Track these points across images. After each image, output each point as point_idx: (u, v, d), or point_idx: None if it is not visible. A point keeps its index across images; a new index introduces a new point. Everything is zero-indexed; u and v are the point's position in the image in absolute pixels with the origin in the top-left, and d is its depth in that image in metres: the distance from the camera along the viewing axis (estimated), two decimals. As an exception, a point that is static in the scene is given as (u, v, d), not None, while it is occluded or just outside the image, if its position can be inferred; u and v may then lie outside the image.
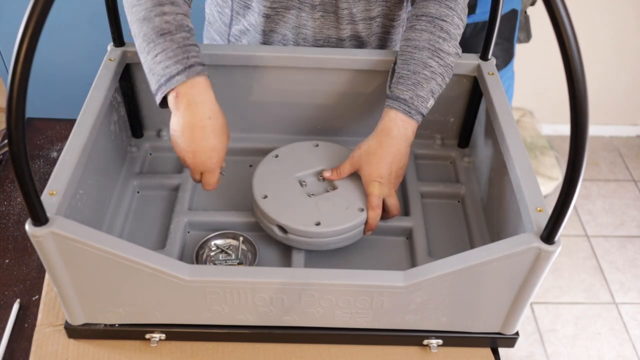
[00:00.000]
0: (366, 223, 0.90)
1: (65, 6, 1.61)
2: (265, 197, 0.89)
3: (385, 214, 0.92)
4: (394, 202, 0.91)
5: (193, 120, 0.81)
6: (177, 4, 0.84)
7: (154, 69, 0.81)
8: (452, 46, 0.91)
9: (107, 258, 0.70)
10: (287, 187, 0.91)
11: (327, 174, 0.92)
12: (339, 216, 0.88)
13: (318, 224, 0.86)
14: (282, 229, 0.88)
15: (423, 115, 0.89)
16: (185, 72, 0.80)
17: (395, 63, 0.93)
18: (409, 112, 0.88)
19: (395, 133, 0.88)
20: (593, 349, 1.88)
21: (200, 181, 0.88)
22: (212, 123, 0.82)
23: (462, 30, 0.94)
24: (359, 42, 1.05)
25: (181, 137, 0.82)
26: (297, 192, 0.91)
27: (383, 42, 1.08)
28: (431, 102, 0.90)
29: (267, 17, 1.01)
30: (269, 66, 0.99)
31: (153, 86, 0.83)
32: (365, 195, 0.90)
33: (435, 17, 0.91)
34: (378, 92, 1.02)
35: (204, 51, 0.96)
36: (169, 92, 0.81)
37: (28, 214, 0.66)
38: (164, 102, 0.83)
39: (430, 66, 0.89)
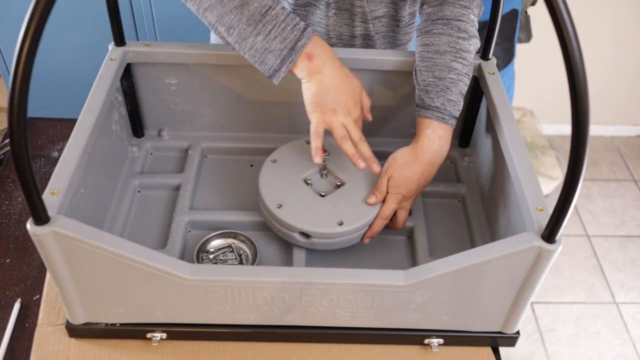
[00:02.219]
0: (368, 229, 0.90)
1: (66, 6, 1.61)
2: (280, 206, 0.88)
3: (390, 224, 0.92)
4: (404, 217, 0.92)
5: (338, 65, 0.84)
6: None
7: (270, 46, 0.81)
8: (472, 44, 0.92)
9: (109, 257, 0.70)
10: (297, 192, 0.91)
11: (372, 200, 0.89)
12: (359, 212, 0.88)
13: (341, 223, 0.86)
14: (305, 234, 0.87)
15: (456, 119, 0.90)
16: (305, 35, 0.81)
17: (415, 70, 0.93)
18: (443, 119, 0.88)
19: (434, 148, 0.89)
20: (593, 348, 1.88)
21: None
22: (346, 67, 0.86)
23: (477, 24, 0.94)
24: (370, 41, 1.06)
25: (334, 86, 0.83)
26: (310, 195, 0.90)
27: (388, 41, 1.08)
28: (461, 104, 0.90)
29: None
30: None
31: (272, 63, 0.82)
32: (375, 183, 0.91)
33: (452, 19, 0.91)
34: (379, 90, 1.02)
35: (209, 51, 0.96)
36: (296, 61, 0.82)
37: (29, 213, 0.66)
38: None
39: (455, 68, 0.89)
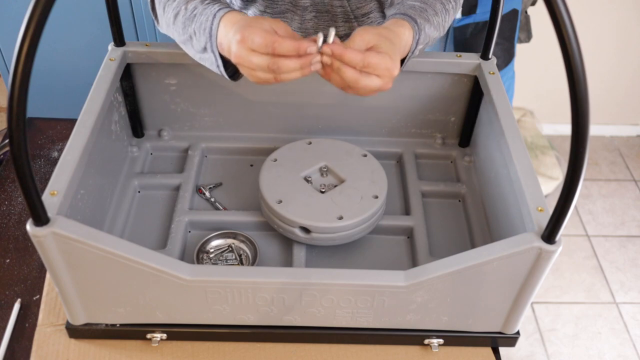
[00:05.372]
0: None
1: (66, 6, 1.61)
2: (280, 201, 0.89)
3: (349, 89, 0.78)
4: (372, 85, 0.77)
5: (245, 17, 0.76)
6: None
7: (198, 42, 0.80)
8: (453, 7, 0.91)
9: (108, 258, 0.70)
10: (298, 188, 0.91)
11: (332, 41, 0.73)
12: (359, 207, 0.88)
13: (341, 218, 0.87)
14: (305, 229, 0.88)
15: (412, 53, 0.83)
16: (219, 13, 0.77)
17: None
18: (418, 37, 0.83)
19: (404, 36, 0.81)
20: (593, 348, 1.88)
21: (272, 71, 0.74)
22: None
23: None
24: None
25: (240, 29, 0.73)
26: (310, 191, 0.91)
27: None
28: (421, 47, 0.85)
29: None
30: (269, 66, 0.99)
31: (213, 61, 0.80)
32: (374, 181, 0.91)
33: None
34: (379, 91, 1.02)
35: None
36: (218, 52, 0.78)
37: (29, 213, 0.66)
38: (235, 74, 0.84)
39: (437, 13, 0.88)
